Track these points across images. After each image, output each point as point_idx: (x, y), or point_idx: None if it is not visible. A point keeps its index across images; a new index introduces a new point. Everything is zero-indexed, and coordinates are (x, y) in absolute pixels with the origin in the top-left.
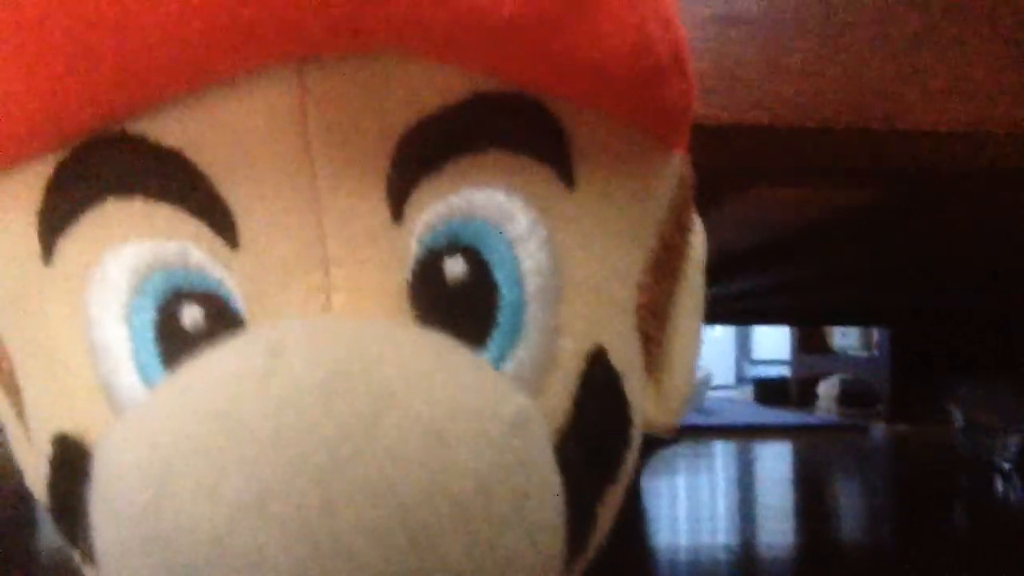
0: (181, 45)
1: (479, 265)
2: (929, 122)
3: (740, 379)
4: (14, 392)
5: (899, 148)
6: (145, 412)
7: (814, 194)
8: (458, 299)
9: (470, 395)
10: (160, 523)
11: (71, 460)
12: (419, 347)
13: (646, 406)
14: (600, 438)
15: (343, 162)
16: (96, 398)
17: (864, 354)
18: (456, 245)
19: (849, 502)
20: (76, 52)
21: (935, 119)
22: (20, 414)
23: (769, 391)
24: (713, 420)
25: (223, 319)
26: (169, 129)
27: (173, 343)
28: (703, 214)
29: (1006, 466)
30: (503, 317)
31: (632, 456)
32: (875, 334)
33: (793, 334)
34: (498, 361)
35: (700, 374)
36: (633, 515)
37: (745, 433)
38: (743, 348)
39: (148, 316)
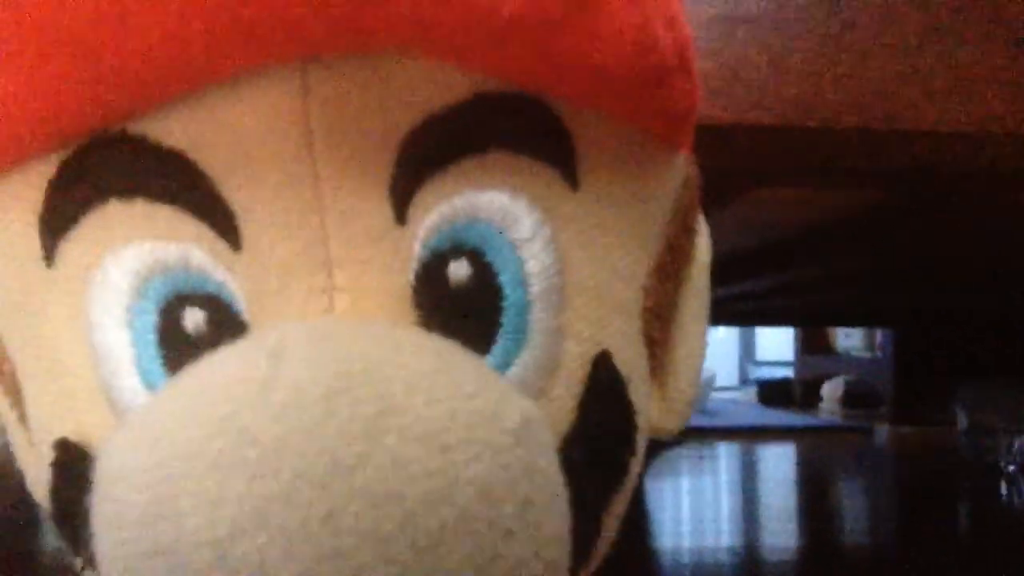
0: (182, 45)
1: (483, 267)
2: (931, 122)
3: (744, 380)
4: (15, 395)
5: (901, 148)
6: (146, 417)
7: (817, 195)
8: (462, 302)
9: (474, 400)
10: (161, 530)
11: (73, 465)
12: (422, 351)
13: (651, 410)
14: (605, 444)
15: (346, 163)
16: (98, 402)
17: (868, 355)
18: (460, 247)
19: (853, 504)
20: (77, 52)
21: (937, 119)
22: (22, 417)
23: (773, 392)
24: (717, 421)
25: (225, 322)
26: (170, 130)
27: (175, 346)
28: (706, 215)
29: (1010, 468)
30: (507, 320)
31: (638, 463)
32: (879, 335)
33: (797, 335)
34: (502, 365)
35: (704, 375)
36: (636, 516)
37: (749, 434)
38: (747, 349)
39: (150, 319)
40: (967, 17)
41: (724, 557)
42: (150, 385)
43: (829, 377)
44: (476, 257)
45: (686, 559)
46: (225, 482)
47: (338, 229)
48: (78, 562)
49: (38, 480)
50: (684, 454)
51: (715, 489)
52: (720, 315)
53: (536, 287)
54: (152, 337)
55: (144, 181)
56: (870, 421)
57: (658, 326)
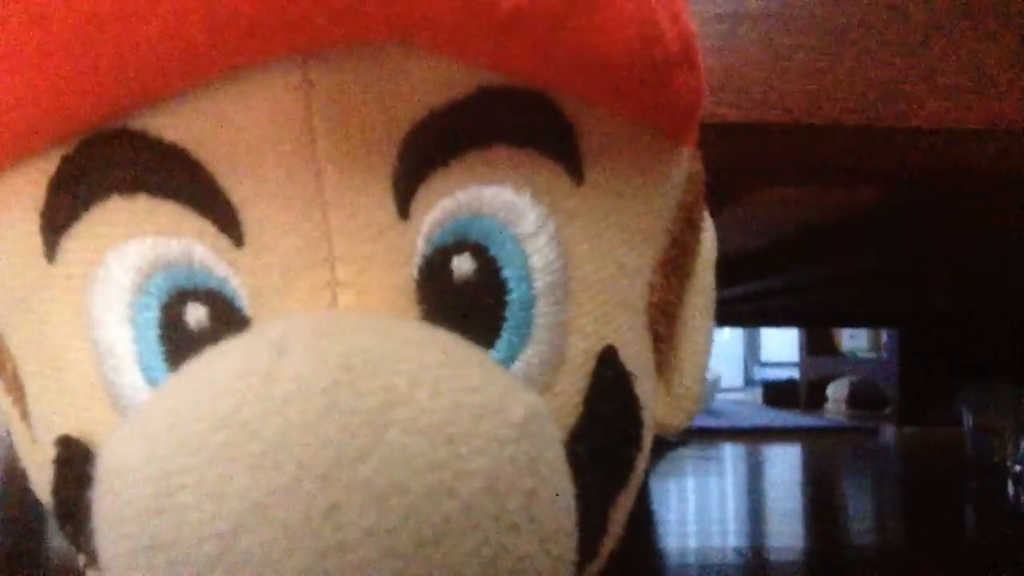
0: (182, 39)
1: (487, 262)
2: (938, 119)
3: (748, 381)
4: (17, 392)
5: (908, 146)
6: (148, 413)
7: (822, 194)
8: (466, 297)
9: (478, 394)
10: (163, 525)
11: (75, 462)
12: (426, 344)
13: (657, 406)
14: (611, 440)
15: (349, 158)
16: (99, 399)
17: (873, 356)
18: (464, 242)
19: (858, 504)
20: (77, 47)
21: (944, 116)
22: (24, 415)
23: (778, 393)
24: (722, 422)
25: (227, 318)
26: (172, 125)
27: (177, 342)
28: (711, 215)
29: (1017, 468)
30: (511, 315)
31: (644, 459)
32: (884, 336)
33: (801, 336)
34: (506, 360)
35: (709, 376)
36: (642, 517)
37: (754, 435)
38: (751, 350)
39: (152, 315)
40: (972, 13)
41: (730, 558)
42: (152, 381)
43: (834, 378)
44: (480, 252)
45: (691, 560)
46: (227, 476)
47: (341, 224)
48: (81, 559)
49: (41, 478)
50: (689, 455)
51: (720, 490)
52: (725, 316)
53: (540, 282)
54: (154, 333)
55: (145, 177)
56: (875, 422)
57: (664, 322)
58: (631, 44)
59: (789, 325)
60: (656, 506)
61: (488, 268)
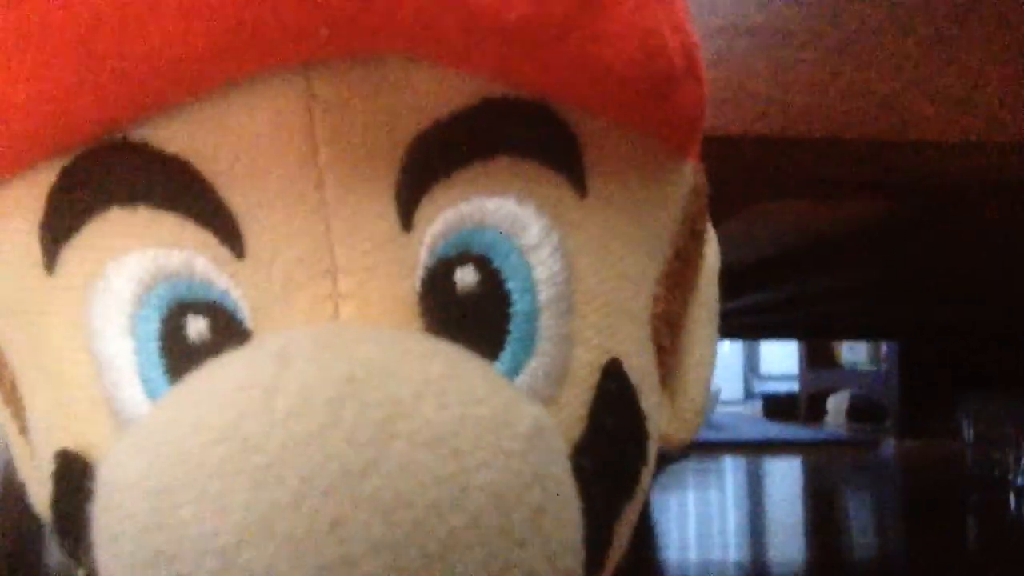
0: (184, 49)
1: (491, 274)
2: (938, 133)
3: (748, 394)
4: (16, 405)
5: (908, 159)
6: (148, 426)
7: (822, 207)
8: (469, 309)
9: (484, 406)
10: (164, 540)
11: (74, 476)
12: (431, 356)
13: (661, 419)
14: (616, 452)
15: (351, 169)
16: (99, 412)
17: (872, 369)
18: (467, 254)
19: (859, 518)
20: (78, 57)
21: (944, 130)
22: (23, 429)
23: (778, 406)
24: (722, 435)
25: (228, 330)
26: (173, 136)
27: (178, 355)
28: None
29: (1019, 481)
30: (515, 327)
31: (649, 472)
32: (883, 348)
33: (801, 349)
34: (510, 372)
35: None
36: (642, 530)
37: (754, 448)
38: (751, 363)
39: (152, 328)
40: (971, 27)
41: (730, 571)
42: (152, 394)
43: (834, 391)
44: (483, 264)
45: (692, 573)
46: (229, 490)
47: (343, 235)
48: (80, 573)
49: (39, 492)
50: (690, 468)
51: (720, 503)
52: (724, 329)
53: (544, 294)
54: (155, 346)
55: (146, 188)
56: (875, 434)
57: (667, 334)
58: (635, 55)
59: (789, 338)
60: (656, 519)
61: (492, 280)
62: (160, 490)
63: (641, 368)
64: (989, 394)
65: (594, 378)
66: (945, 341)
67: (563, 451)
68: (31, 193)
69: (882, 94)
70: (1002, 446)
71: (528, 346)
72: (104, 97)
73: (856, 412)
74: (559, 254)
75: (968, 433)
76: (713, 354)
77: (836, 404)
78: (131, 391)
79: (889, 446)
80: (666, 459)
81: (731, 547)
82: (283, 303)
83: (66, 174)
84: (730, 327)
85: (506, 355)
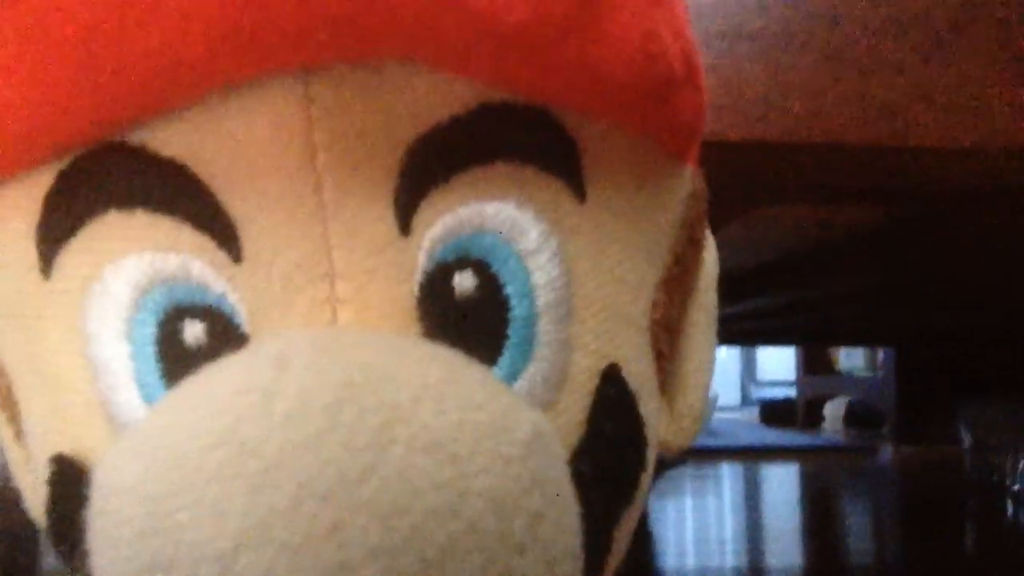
0: (182, 52)
1: (489, 279)
2: (936, 139)
3: (746, 400)
4: (11, 410)
5: (906, 165)
6: (145, 430)
7: (820, 213)
8: (467, 314)
9: (483, 411)
10: (160, 546)
11: (69, 481)
12: (429, 361)
13: (659, 426)
14: (615, 458)
15: (349, 173)
16: (95, 416)
17: (870, 375)
18: (466, 259)
19: (856, 524)
20: (75, 60)
21: (943, 136)
22: (18, 434)
23: (775, 412)
24: (719, 441)
25: (225, 334)
26: (171, 140)
27: (174, 359)
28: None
29: (1016, 487)
30: (514, 332)
31: (648, 478)
32: (880, 354)
33: (798, 355)
34: (509, 378)
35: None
36: (640, 536)
37: (751, 454)
38: (748, 369)
39: (149, 332)
40: (969, 34)
41: None
42: (149, 399)
43: (831, 397)
44: (482, 268)
45: None
46: (226, 495)
47: (341, 240)
48: None
49: (35, 497)
50: (687, 474)
51: (718, 509)
52: (721, 335)
53: (543, 299)
54: (151, 350)
55: (143, 191)
56: (873, 441)
57: (666, 339)
58: (634, 59)
59: (786, 344)
60: (654, 525)
61: (490, 285)
62: (156, 495)
63: (640, 374)
64: (987, 400)
65: (593, 383)
66: (942, 347)
67: (562, 457)
68: (28, 195)
69: (881, 100)
70: (1000, 452)
71: (526, 351)
72: (102, 99)
73: (853, 418)
74: (558, 259)
75: (966, 439)
76: (712, 360)
77: (833, 410)
78: (127, 395)
79: (886, 452)
80: (663, 465)
81: (728, 553)
82: (281, 307)
83: (63, 177)
84: (728, 333)
85: (504, 360)
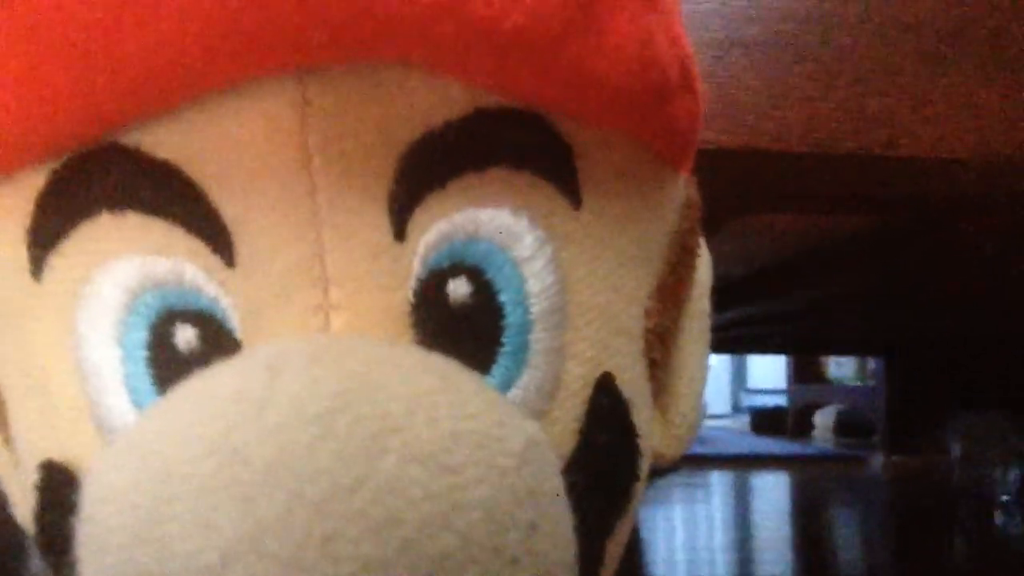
0: (178, 53)
1: (483, 286)
2: (928, 149)
3: (736, 408)
4: (0, 415)
5: (899, 174)
6: (135, 437)
7: (810, 221)
8: (461, 321)
9: (477, 421)
10: (148, 554)
11: (58, 487)
12: (423, 370)
13: (653, 435)
14: (608, 468)
15: (344, 177)
16: (84, 422)
17: (860, 384)
18: (460, 265)
19: (846, 533)
20: (70, 60)
21: (934, 146)
22: (7, 439)
23: (765, 421)
24: (709, 449)
25: (218, 339)
26: (165, 141)
27: (165, 364)
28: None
29: (1004, 498)
30: (508, 340)
31: (641, 488)
32: (871, 364)
33: (789, 364)
34: (502, 386)
35: None
36: (629, 544)
37: (741, 463)
38: (739, 377)
39: (140, 336)
40: (962, 45)
41: None
42: (139, 404)
43: (821, 406)
44: (476, 275)
45: None
46: (217, 505)
47: (335, 245)
48: None
49: (22, 502)
50: (677, 482)
51: (708, 517)
52: (712, 343)
53: (537, 307)
54: (142, 354)
55: (136, 194)
56: (863, 450)
57: (659, 348)
58: (631, 66)
59: (777, 352)
60: (643, 533)
61: (484, 292)
62: (146, 504)
63: (633, 383)
64: (976, 411)
65: (586, 392)
66: (933, 357)
67: (556, 467)
68: (20, 196)
69: (873, 109)
70: (988, 463)
71: (520, 359)
72: (96, 99)
73: (843, 427)
74: (552, 266)
75: (955, 449)
76: (705, 369)
77: (824, 419)
78: (117, 400)
79: (876, 461)
80: (654, 473)
81: (718, 562)
82: (273, 312)
83: (55, 178)
84: (718, 341)
85: (498, 368)
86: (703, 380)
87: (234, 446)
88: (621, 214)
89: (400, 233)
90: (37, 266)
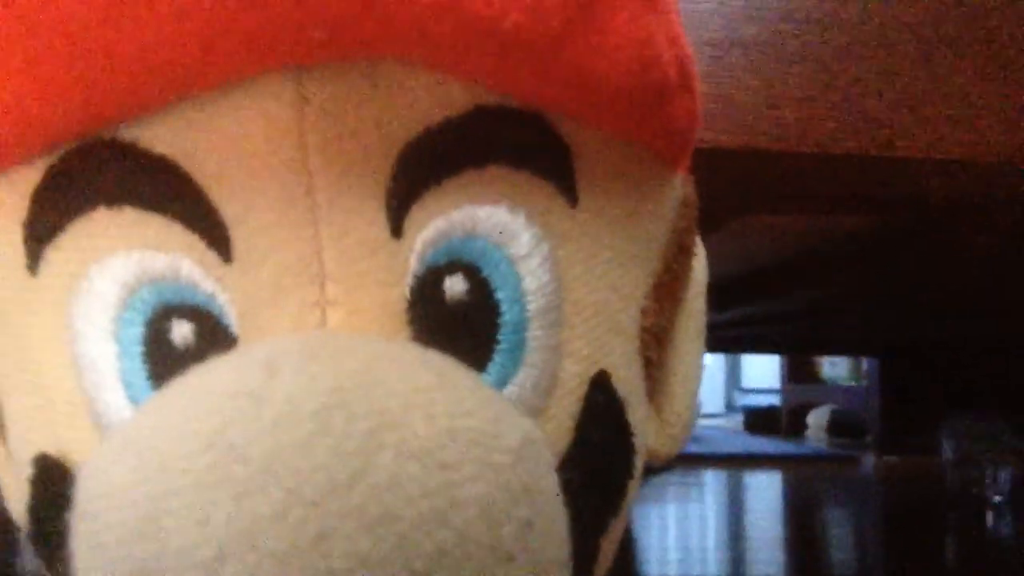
0: (177, 49)
1: (480, 283)
2: (925, 150)
3: (730, 408)
4: None
5: (895, 175)
6: (131, 432)
7: (805, 222)
8: (457, 318)
9: (473, 417)
10: (144, 550)
11: (52, 482)
12: (420, 366)
13: (647, 434)
14: (603, 466)
15: (342, 174)
16: (80, 416)
17: (854, 384)
18: (457, 262)
19: (838, 533)
20: (67, 54)
21: (931, 148)
22: (1, 433)
23: (759, 420)
24: (703, 448)
25: (214, 335)
26: (162, 137)
27: (162, 360)
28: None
29: (996, 499)
30: (504, 337)
31: (635, 486)
32: (864, 364)
33: (783, 363)
34: (498, 383)
35: None
36: (623, 543)
37: (735, 462)
38: (733, 377)
39: (136, 331)
40: (960, 47)
41: None
42: (135, 399)
43: (815, 405)
44: (473, 273)
45: None
46: (212, 500)
47: (332, 241)
48: None
49: (16, 496)
50: (670, 481)
51: (701, 516)
52: (707, 342)
53: (534, 304)
54: (138, 350)
55: (133, 189)
56: (856, 450)
57: (655, 347)
58: (630, 66)
59: (771, 352)
60: (636, 531)
61: (481, 289)
62: (142, 499)
63: (629, 381)
64: (969, 412)
65: (582, 390)
66: (927, 358)
67: (552, 464)
68: (16, 191)
69: (870, 110)
70: (980, 464)
71: (516, 357)
72: (93, 95)
73: (837, 427)
74: (549, 264)
75: (948, 450)
76: (700, 368)
77: (817, 419)
78: (113, 395)
79: (869, 462)
80: (648, 471)
81: (711, 561)
82: (270, 309)
83: (51, 173)
84: (712, 340)
85: (494, 365)
86: (698, 379)
87: (231, 442)
88: (618, 213)
89: (397, 230)
90: (33, 260)
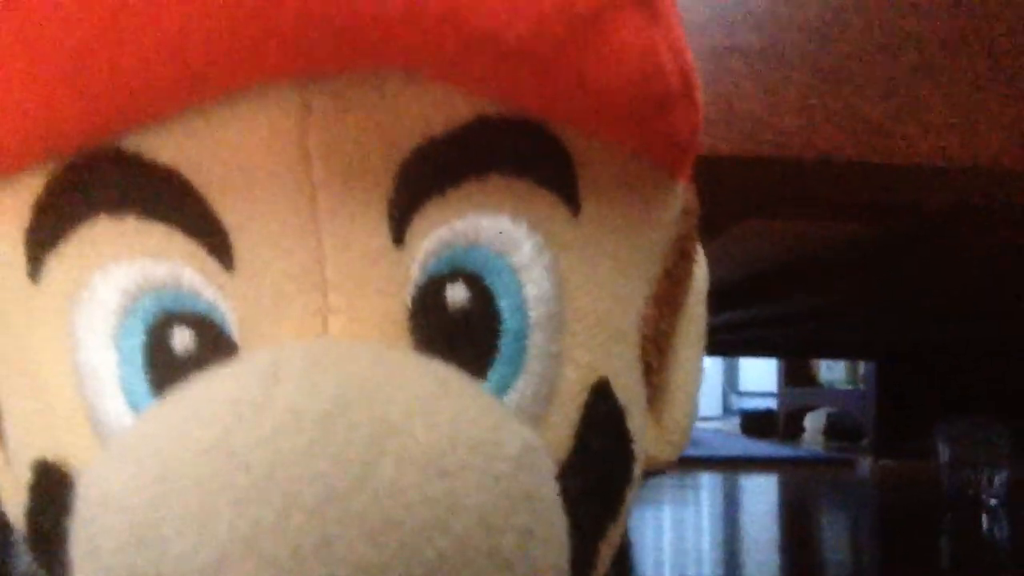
0: (181, 60)
1: (481, 292)
2: (925, 157)
3: (727, 411)
4: None
5: (895, 182)
6: (131, 439)
7: (808, 227)
8: (459, 326)
9: (474, 426)
10: (143, 557)
11: (51, 488)
12: (421, 374)
13: (647, 439)
14: (602, 473)
15: (344, 183)
16: (80, 423)
17: (850, 388)
18: (458, 271)
19: (835, 536)
20: (72, 64)
21: (931, 155)
22: (0, 438)
23: (755, 423)
24: (699, 451)
25: (215, 343)
26: (165, 146)
27: (163, 367)
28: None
29: (992, 502)
30: (505, 345)
31: (634, 493)
32: (861, 368)
33: (780, 367)
34: (499, 391)
35: None
36: (620, 546)
37: (731, 465)
38: (730, 380)
39: (137, 339)
40: (960, 54)
41: None
42: (136, 407)
43: (812, 409)
44: (474, 281)
45: None
46: (213, 507)
47: (334, 250)
48: None
49: (13, 500)
50: (667, 483)
51: (697, 519)
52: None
53: (535, 313)
54: (139, 357)
55: (136, 197)
56: (852, 453)
57: (655, 353)
58: (632, 76)
59: (768, 355)
60: (633, 534)
61: (482, 298)
62: (142, 506)
63: (629, 388)
64: (965, 416)
65: (582, 398)
66: (924, 362)
67: (552, 472)
68: (19, 198)
69: (871, 118)
70: (976, 467)
71: (517, 365)
72: (96, 105)
73: (833, 431)
74: (550, 273)
75: (944, 454)
76: (699, 374)
77: (814, 422)
78: (114, 402)
79: (866, 465)
80: (645, 475)
81: (707, 563)
82: (272, 317)
83: (54, 181)
84: (709, 343)
85: (495, 373)
86: (697, 385)
87: (232, 449)
88: (620, 221)
89: (399, 239)
90: (35, 268)
